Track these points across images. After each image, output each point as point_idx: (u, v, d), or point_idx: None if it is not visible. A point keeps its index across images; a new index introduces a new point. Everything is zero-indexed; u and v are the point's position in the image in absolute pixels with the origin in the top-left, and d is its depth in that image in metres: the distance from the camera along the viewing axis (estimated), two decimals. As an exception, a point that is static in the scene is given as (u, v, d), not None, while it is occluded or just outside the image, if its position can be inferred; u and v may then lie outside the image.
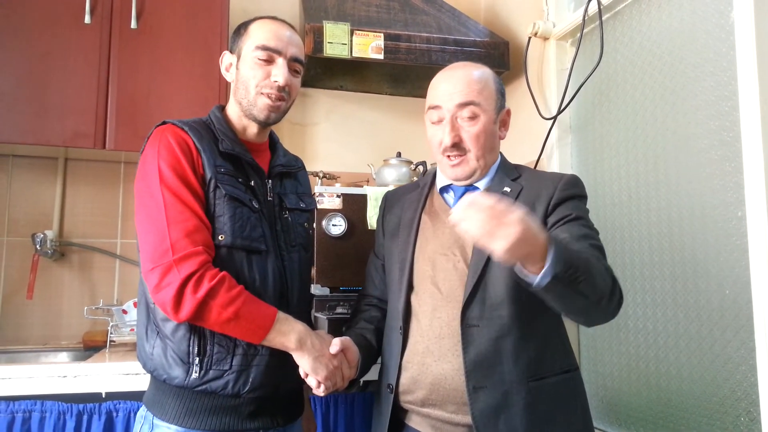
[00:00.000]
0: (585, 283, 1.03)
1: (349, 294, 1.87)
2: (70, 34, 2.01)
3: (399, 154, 2.27)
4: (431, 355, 1.23)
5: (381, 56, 2.17)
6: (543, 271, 0.99)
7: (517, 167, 1.38)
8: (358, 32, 2.15)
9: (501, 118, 1.35)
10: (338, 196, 1.93)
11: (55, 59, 1.99)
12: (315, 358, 1.22)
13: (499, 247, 0.95)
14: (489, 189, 1.31)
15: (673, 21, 1.70)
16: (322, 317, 1.76)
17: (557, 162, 2.13)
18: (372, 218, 1.94)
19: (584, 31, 1.99)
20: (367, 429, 1.82)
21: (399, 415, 1.30)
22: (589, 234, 1.21)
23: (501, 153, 1.40)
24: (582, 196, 1.31)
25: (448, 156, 1.30)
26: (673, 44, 1.70)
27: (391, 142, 2.55)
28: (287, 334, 1.21)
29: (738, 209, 1.45)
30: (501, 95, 1.34)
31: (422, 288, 1.29)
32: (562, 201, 1.25)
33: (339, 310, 1.82)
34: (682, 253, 1.63)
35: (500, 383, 1.17)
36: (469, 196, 0.98)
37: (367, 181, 2.40)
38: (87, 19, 2.00)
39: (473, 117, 1.28)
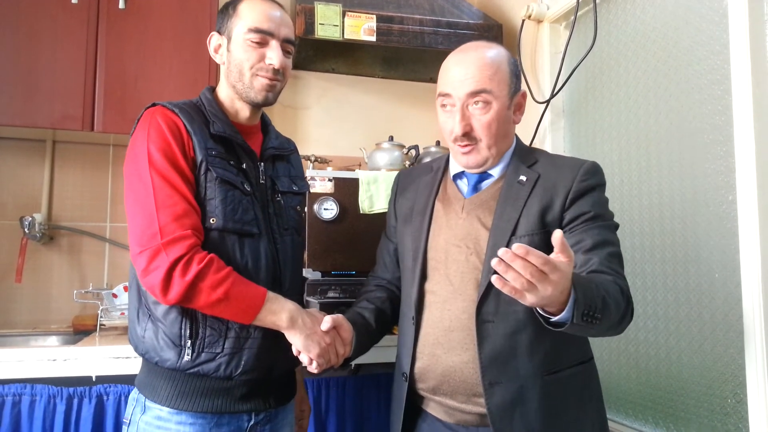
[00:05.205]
0: (600, 320, 1.03)
1: (340, 278, 1.87)
2: (57, 15, 1.96)
3: (391, 138, 2.26)
4: (441, 347, 1.23)
5: (373, 38, 2.15)
6: (561, 316, 1.00)
7: (534, 152, 1.33)
8: (350, 14, 2.13)
9: (516, 102, 1.28)
10: (330, 180, 1.92)
11: (42, 40, 1.95)
12: (307, 336, 1.22)
13: (531, 300, 0.95)
14: (504, 177, 1.27)
15: (667, 4, 1.69)
16: (313, 301, 1.76)
17: (550, 146, 2.12)
18: (363, 202, 1.93)
19: (578, 14, 1.97)
20: (358, 412, 1.83)
21: (416, 400, 1.31)
22: (607, 240, 1.19)
23: (516, 136, 1.35)
24: (601, 185, 1.26)
25: (459, 144, 1.26)
26: (667, 28, 1.69)
27: (383, 125, 2.53)
28: (278, 313, 1.20)
29: (729, 193, 1.45)
30: (515, 77, 1.27)
31: (434, 279, 1.28)
32: (581, 194, 1.21)
33: (330, 294, 1.82)
34: (673, 236, 1.64)
35: (515, 378, 1.16)
36: (517, 247, 0.91)
37: (359, 165, 2.39)
38: (74, -1, 1.96)
39: (485, 105, 1.23)
